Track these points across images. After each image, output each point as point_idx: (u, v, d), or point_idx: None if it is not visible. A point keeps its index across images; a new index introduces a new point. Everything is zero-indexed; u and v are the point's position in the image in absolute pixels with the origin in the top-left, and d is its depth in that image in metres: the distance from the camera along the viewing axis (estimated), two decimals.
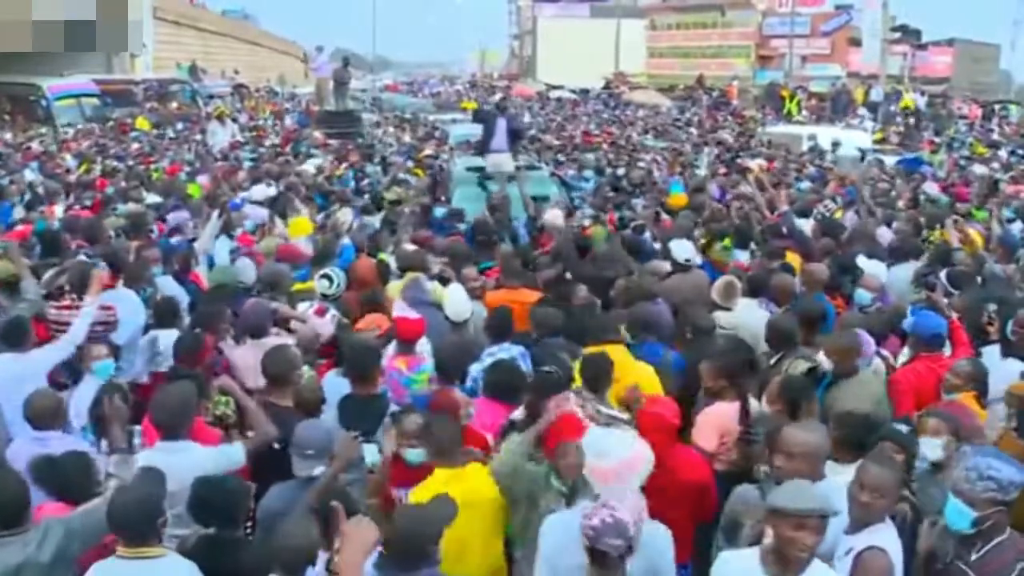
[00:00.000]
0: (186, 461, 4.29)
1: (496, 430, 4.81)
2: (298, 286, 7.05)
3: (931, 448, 4.30)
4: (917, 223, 9.60)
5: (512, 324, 6.11)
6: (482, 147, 12.63)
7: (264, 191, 11.03)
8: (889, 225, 9.63)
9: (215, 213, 8.59)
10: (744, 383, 5.08)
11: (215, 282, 7.15)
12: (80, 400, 5.16)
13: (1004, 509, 3.55)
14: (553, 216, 9.46)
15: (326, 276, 6.78)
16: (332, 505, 3.66)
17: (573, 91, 38.36)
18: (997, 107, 31.08)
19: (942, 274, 7.13)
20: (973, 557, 3.56)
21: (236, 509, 3.91)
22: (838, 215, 10.66)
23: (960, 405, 4.91)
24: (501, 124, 12.51)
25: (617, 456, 3.76)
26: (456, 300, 6.48)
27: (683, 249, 7.66)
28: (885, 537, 3.65)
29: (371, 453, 4.70)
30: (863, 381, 5.43)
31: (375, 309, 6.43)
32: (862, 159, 17.87)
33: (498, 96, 13.13)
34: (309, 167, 14.49)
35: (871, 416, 4.67)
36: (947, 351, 5.78)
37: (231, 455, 4.52)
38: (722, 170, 15.06)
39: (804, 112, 30.69)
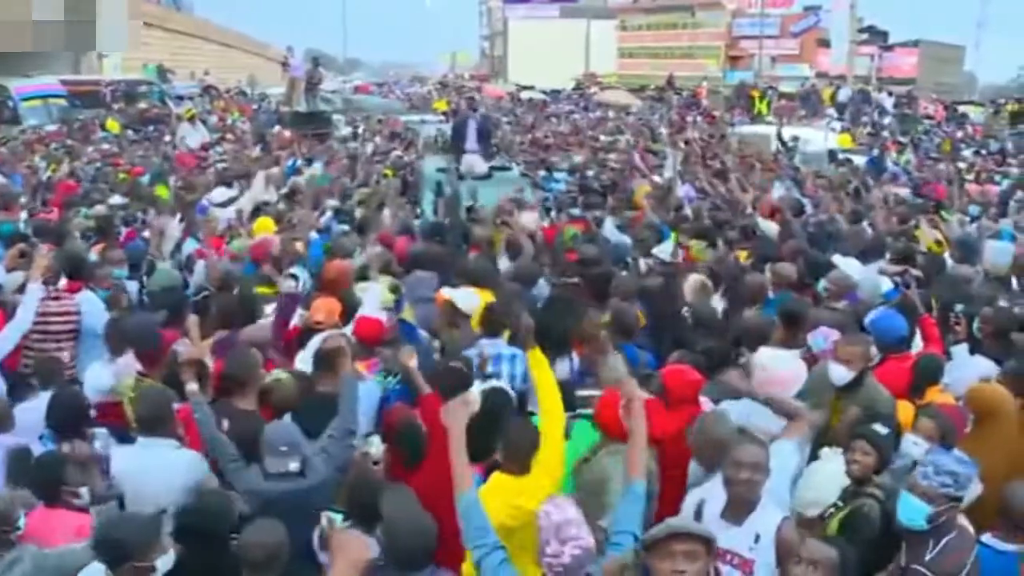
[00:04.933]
0: (162, 461, 4.33)
1: None
2: (261, 288, 6.98)
3: (918, 448, 4.26)
4: (903, 219, 9.67)
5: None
6: (456, 149, 12.58)
7: (225, 193, 10.93)
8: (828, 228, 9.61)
9: (176, 218, 8.55)
10: None
11: (157, 286, 7.23)
12: (36, 409, 4.99)
13: (957, 505, 3.58)
14: (529, 219, 9.27)
15: (291, 275, 6.71)
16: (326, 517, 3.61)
17: (544, 92, 38.30)
18: (960, 108, 31.37)
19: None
20: (927, 557, 3.54)
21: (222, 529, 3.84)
22: None
23: (954, 408, 4.91)
24: (472, 125, 12.47)
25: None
26: (464, 295, 6.52)
27: (664, 249, 7.69)
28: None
29: (374, 445, 4.70)
30: (875, 386, 5.05)
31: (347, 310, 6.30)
32: (832, 159, 18.00)
33: (467, 96, 13.02)
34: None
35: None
36: (918, 347, 5.80)
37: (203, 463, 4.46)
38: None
39: (773, 112, 30.84)
